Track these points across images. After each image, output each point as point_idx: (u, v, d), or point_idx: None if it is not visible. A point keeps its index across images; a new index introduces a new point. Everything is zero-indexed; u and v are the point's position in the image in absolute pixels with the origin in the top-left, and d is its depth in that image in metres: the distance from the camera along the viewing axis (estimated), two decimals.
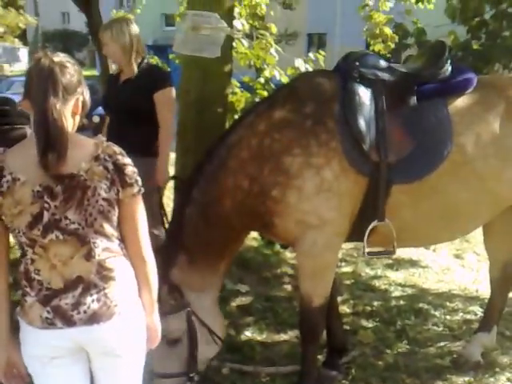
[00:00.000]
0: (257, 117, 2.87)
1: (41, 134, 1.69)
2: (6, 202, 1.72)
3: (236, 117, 4.81)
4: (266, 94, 5.57)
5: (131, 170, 1.84)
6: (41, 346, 1.83)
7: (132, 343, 1.91)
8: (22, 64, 38.58)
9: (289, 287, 4.69)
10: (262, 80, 6.02)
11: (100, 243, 1.81)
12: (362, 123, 2.74)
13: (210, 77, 4.73)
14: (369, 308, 4.27)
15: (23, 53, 38.47)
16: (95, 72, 26.61)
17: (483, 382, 3.28)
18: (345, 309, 4.22)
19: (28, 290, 1.81)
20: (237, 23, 5.47)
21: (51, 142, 1.67)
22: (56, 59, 1.77)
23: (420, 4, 6.50)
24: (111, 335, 1.84)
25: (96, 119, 11.50)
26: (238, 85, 5.88)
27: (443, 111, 2.84)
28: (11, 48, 31.07)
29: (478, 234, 3.59)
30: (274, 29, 6.43)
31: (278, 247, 5.41)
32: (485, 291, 3.87)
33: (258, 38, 6.03)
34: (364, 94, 2.81)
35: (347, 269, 5.12)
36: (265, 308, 4.23)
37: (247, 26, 6.04)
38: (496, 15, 5.69)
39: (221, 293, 4.39)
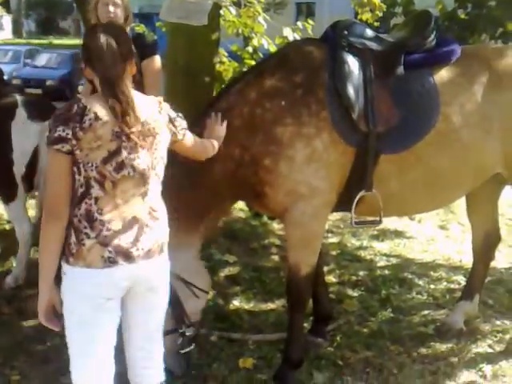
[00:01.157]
0: (247, 85, 2.86)
1: (114, 104, 1.91)
2: (86, 137, 1.87)
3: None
4: (253, 63, 5.53)
5: (180, 119, 2.21)
6: (99, 285, 1.95)
7: (167, 280, 2.17)
8: (6, 32, 37.86)
9: (276, 257, 4.74)
10: (250, 49, 5.97)
11: (154, 185, 2.06)
12: (351, 92, 2.73)
13: (196, 45, 4.69)
14: (354, 277, 4.33)
15: (6, 21, 37.73)
16: (80, 41, 26.19)
17: (466, 349, 3.35)
18: (331, 278, 4.27)
19: (88, 231, 1.92)
20: None
21: (124, 109, 1.91)
22: (112, 31, 2.00)
23: None
24: (158, 271, 2.09)
25: (81, 89, 11.35)
26: (226, 54, 5.83)
27: (430, 81, 2.85)
28: None
29: (462, 205, 3.63)
30: None
31: (265, 218, 5.44)
32: (469, 261, 3.93)
33: (245, 5, 5.95)
34: (353, 63, 2.80)
35: (334, 239, 5.17)
36: (252, 278, 4.27)
37: None
38: None
39: (209, 263, 4.46)
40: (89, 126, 1.87)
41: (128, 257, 1.95)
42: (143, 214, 2.00)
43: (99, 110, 1.90)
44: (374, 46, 2.89)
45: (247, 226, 5.43)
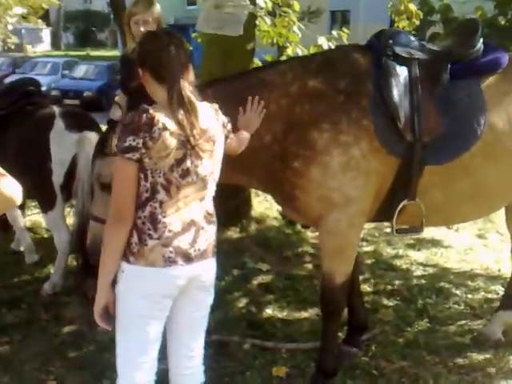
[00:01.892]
0: (290, 76, 2.84)
1: (183, 114, 1.99)
2: (155, 147, 1.94)
3: None
4: None
5: (228, 123, 2.30)
6: (158, 284, 2.04)
7: (214, 280, 2.25)
8: (45, 45, 38.85)
9: (309, 266, 4.71)
10: (284, 58, 5.98)
11: (210, 189, 2.16)
12: (396, 101, 2.70)
13: (232, 55, 4.72)
14: (390, 287, 4.27)
15: (46, 33, 38.69)
16: (117, 52, 26.67)
17: (503, 360, 3.27)
18: (366, 287, 4.22)
19: (151, 232, 2.01)
20: (259, 1, 5.42)
21: (191, 120, 2.00)
22: (173, 38, 2.07)
23: None
24: (210, 271, 2.19)
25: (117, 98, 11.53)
26: (260, 63, 5.85)
27: (477, 90, 2.80)
28: (34, 29, 31.24)
29: (501, 214, 3.56)
30: (296, 6, 6.36)
31: (298, 227, 5.43)
32: (507, 271, 3.84)
33: (280, 15, 5.98)
34: (398, 72, 2.77)
35: (369, 248, 5.12)
36: (285, 286, 4.26)
37: (270, 4, 5.98)
38: None
39: (242, 271, 4.48)
40: (158, 136, 1.94)
41: (187, 257, 2.06)
42: (200, 217, 2.11)
43: (167, 120, 1.96)
44: (419, 55, 2.85)
45: (281, 235, 5.42)
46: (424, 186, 2.78)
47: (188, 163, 2.02)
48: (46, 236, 5.08)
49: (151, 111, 1.97)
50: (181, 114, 1.98)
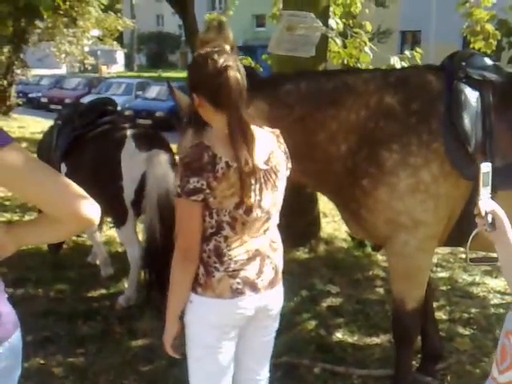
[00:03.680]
0: (373, 84, 2.82)
1: (241, 144, 1.90)
2: (220, 186, 1.89)
3: None
4: None
5: (288, 153, 2.15)
6: (226, 315, 2.02)
7: (280, 307, 2.20)
8: (119, 66, 40.38)
9: (381, 290, 4.61)
10: None
11: (275, 219, 2.09)
12: (467, 124, 2.65)
13: None
14: (466, 315, 4.13)
15: (120, 55, 40.19)
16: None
17: None
18: (441, 315, 4.08)
19: (217, 265, 1.98)
20: (331, 22, 5.44)
21: (250, 150, 1.91)
22: (232, 62, 1.94)
23: None
24: (277, 299, 2.15)
25: None
26: None
27: None
28: (109, 50, 32.53)
29: None
30: (368, 27, 6.35)
31: (369, 249, 5.34)
32: None
33: (352, 36, 5.97)
34: (470, 95, 2.72)
35: (443, 274, 4.96)
36: (355, 310, 4.19)
37: (341, 25, 5.98)
38: None
39: (310, 292, 4.43)
40: (222, 176, 1.87)
41: (254, 287, 2.02)
42: (265, 247, 2.06)
43: (229, 156, 1.89)
44: (493, 77, 2.78)
45: (350, 257, 5.35)
46: None
47: (252, 199, 1.94)
48: (120, 250, 5.22)
49: (212, 148, 1.89)
50: (241, 146, 1.89)
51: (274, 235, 2.12)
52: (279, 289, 2.15)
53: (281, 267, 2.15)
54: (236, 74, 1.91)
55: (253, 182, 1.93)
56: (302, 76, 2.96)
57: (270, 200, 2.01)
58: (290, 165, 2.15)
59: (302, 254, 5.31)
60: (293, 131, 2.72)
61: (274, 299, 2.12)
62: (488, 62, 2.85)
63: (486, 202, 1.80)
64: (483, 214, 1.77)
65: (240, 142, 1.90)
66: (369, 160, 2.71)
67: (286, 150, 2.13)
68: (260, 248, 2.04)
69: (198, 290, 2.00)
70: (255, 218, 1.98)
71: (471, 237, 2.70)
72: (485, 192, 1.83)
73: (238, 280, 1.98)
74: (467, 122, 2.65)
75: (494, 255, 2.82)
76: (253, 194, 1.94)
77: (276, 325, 2.24)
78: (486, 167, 1.86)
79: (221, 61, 1.91)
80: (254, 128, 1.98)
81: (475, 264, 3.08)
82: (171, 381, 3.14)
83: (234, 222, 1.95)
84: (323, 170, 2.84)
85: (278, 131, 2.13)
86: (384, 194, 2.67)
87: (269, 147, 2.03)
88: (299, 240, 5.28)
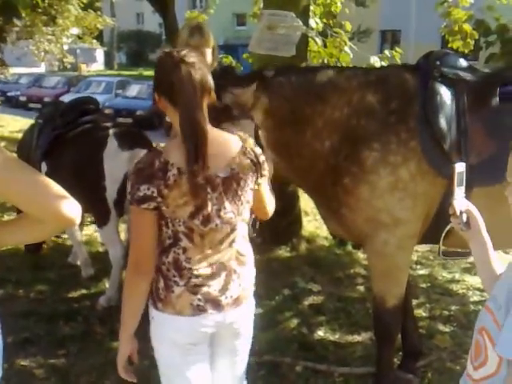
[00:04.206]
0: (356, 81, 2.84)
1: (191, 144, 1.78)
2: (171, 195, 1.78)
3: None
4: None
5: (263, 159, 1.98)
6: (187, 333, 1.90)
7: (251, 325, 2.09)
8: (99, 64, 40.02)
9: (362, 288, 4.64)
10: None
11: (241, 230, 1.95)
12: (442, 123, 2.68)
13: None
14: (446, 312, 4.16)
15: (99, 53, 39.85)
16: None
17: None
18: (421, 312, 4.12)
19: (177, 279, 1.86)
20: (311, 22, 5.46)
21: (199, 153, 1.78)
22: (188, 58, 1.82)
23: None
24: (244, 317, 2.01)
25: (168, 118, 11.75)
26: None
27: None
28: (88, 49, 32.26)
29: None
30: (348, 27, 6.38)
31: (349, 247, 5.37)
32: None
33: (332, 36, 6.00)
34: (445, 94, 2.75)
35: (423, 272, 5.00)
36: (337, 308, 4.20)
37: (321, 25, 6.01)
38: None
39: (292, 291, 4.45)
40: (173, 183, 1.77)
41: (217, 305, 1.89)
42: (231, 260, 1.92)
43: (181, 162, 1.78)
44: (468, 76, 2.82)
45: (331, 255, 5.37)
46: None
47: (209, 209, 1.82)
48: (101, 250, 5.19)
49: (164, 154, 1.80)
50: (191, 151, 1.76)
51: (242, 248, 1.97)
52: (247, 307, 2.01)
53: (250, 283, 2.02)
54: (190, 69, 1.79)
55: (209, 190, 1.82)
56: (291, 70, 2.98)
57: (232, 210, 1.87)
58: (264, 172, 1.97)
59: (283, 252, 5.31)
60: (284, 125, 2.74)
61: (240, 318, 1.98)
62: (462, 61, 2.90)
63: (461, 202, 1.80)
64: (458, 213, 1.78)
65: (190, 146, 1.77)
66: (351, 158, 2.72)
67: (258, 155, 1.94)
68: (225, 262, 1.90)
69: (158, 305, 1.89)
70: (214, 229, 1.85)
71: (444, 232, 2.75)
72: (459, 191, 1.84)
73: (199, 296, 1.86)
74: (442, 120, 2.68)
75: (468, 250, 2.87)
76: (209, 203, 1.82)
77: (247, 345, 2.10)
78: (460, 167, 1.88)
79: (177, 57, 1.81)
80: (213, 131, 1.86)
81: (448, 258, 3.12)
82: (153, 381, 3.12)
83: (190, 233, 1.84)
84: (308, 166, 2.85)
85: (246, 135, 1.97)
86: (365, 192, 2.69)
87: (231, 153, 1.88)
88: (281, 238, 5.29)
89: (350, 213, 2.76)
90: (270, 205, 2.15)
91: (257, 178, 1.95)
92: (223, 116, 2.46)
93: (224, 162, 1.85)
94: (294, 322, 4.00)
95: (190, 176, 1.77)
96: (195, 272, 1.86)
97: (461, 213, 1.80)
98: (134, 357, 1.99)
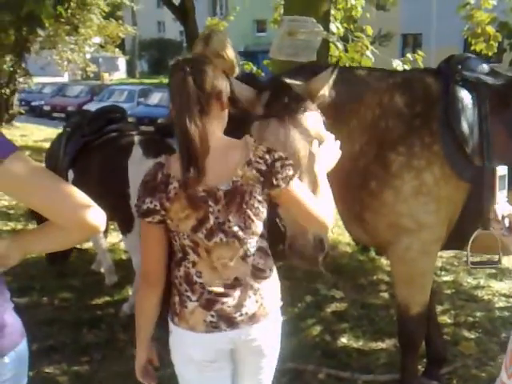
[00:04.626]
0: (385, 82, 2.80)
1: (183, 154, 1.74)
2: (173, 208, 1.75)
3: None
4: None
5: (279, 165, 1.79)
6: (203, 350, 1.85)
7: (277, 341, 1.99)
8: (121, 73, 40.45)
9: (385, 295, 4.60)
10: None
11: (255, 244, 1.86)
12: (464, 127, 2.66)
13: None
14: (471, 319, 4.11)
15: (121, 62, 40.28)
16: None
17: None
18: (445, 319, 4.08)
19: (189, 294, 1.84)
20: (332, 27, 5.45)
21: (193, 164, 1.72)
22: (190, 68, 1.76)
23: None
24: (265, 334, 1.90)
25: None
26: None
27: None
28: (111, 57, 32.61)
29: None
30: (370, 31, 6.36)
31: (373, 254, 5.33)
32: None
33: (353, 40, 5.98)
34: (467, 98, 2.73)
35: (448, 278, 4.95)
36: (360, 315, 4.18)
37: (342, 30, 5.99)
38: None
39: (315, 297, 4.43)
40: (174, 196, 1.74)
41: (231, 322, 1.83)
42: (246, 276, 1.85)
43: (181, 174, 1.75)
44: (489, 80, 2.79)
45: (354, 261, 5.34)
46: None
47: (211, 222, 1.77)
48: (124, 258, 5.23)
49: (166, 167, 1.79)
50: (186, 162, 1.72)
51: (260, 263, 1.88)
52: (268, 323, 1.90)
53: (272, 299, 1.92)
54: (187, 76, 1.73)
55: (210, 203, 1.76)
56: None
57: (238, 224, 1.80)
58: (277, 181, 1.79)
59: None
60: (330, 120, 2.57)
61: (261, 335, 1.89)
62: (483, 64, 2.88)
63: (503, 206, 1.75)
64: (500, 218, 1.73)
65: (184, 157, 1.73)
66: (378, 161, 2.69)
67: (270, 163, 1.79)
68: (240, 277, 1.84)
69: (175, 319, 1.87)
70: (219, 243, 1.79)
71: (471, 239, 2.72)
72: (501, 196, 1.80)
73: (212, 313, 1.81)
74: (464, 124, 2.66)
75: (496, 258, 2.83)
76: (211, 217, 1.77)
77: (270, 364, 2.01)
78: (502, 170, 1.84)
79: (177, 63, 1.79)
80: (217, 140, 1.79)
81: (476, 267, 3.08)
82: None
83: (196, 247, 1.80)
84: (337, 166, 2.81)
85: (256, 143, 1.83)
86: (390, 197, 2.66)
87: (233, 164, 1.78)
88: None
89: (374, 217, 2.73)
90: (323, 211, 1.89)
91: (269, 189, 1.81)
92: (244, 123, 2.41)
93: (226, 173, 1.77)
94: (317, 329, 3.98)
95: (185, 188, 1.73)
96: (208, 287, 1.83)
97: (503, 217, 1.75)
98: (155, 361, 2.00)
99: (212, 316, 1.82)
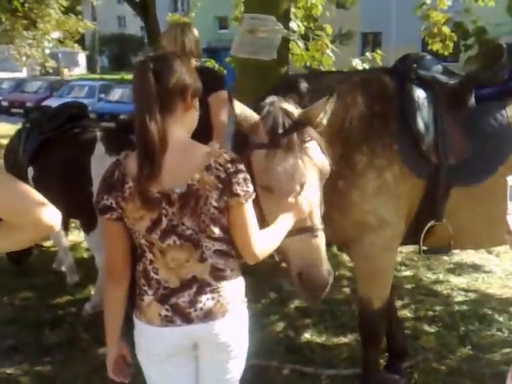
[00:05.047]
0: (347, 84, 2.83)
1: (139, 151, 1.75)
2: (128, 207, 1.76)
3: None
4: None
5: (242, 177, 1.80)
6: (160, 344, 1.86)
7: (240, 340, 1.96)
8: (81, 68, 39.74)
9: (347, 290, 4.65)
10: None
11: (212, 247, 1.84)
12: (420, 125, 2.71)
13: (266, 79, 4.75)
14: (431, 313, 4.20)
15: (81, 57, 39.57)
16: None
17: None
18: (406, 313, 4.16)
19: (146, 288, 1.86)
20: (292, 25, 5.48)
21: (147, 161, 1.72)
22: (153, 64, 1.75)
23: (480, 1, 6.34)
24: (224, 332, 1.88)
25: None
26: None
27: (502, 114, 2.79)
28: (70, 53, 32.00)
29: None
30: (329, 29, 6.42)
31: (335, 249, 5.39)
32: None
33: (313, 39, 6.04)
34: (422, 96, 2.78)
35: (408, 273, 5.04)
36: (323, 310, 4.21)
37: (302, 28, 6.04)
38: None
39: (278, 294, 4.46)
40: (129, 196, 1.75)
41: (185, 317, 1.83)
42: (204, 275, 1.84)
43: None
44: (444, 78, 2.86)
45: None
46: (451, 208, 2.76)
47: (164, 224, 1.77)
48: (86, 256, 5.16)
49: (123, 165, 1.79)
50: (142, 162, 1.72)
51: (220, 262, 1.86)
52: (228, 321, 1.88)
53: (231, 297, 1.89)
54: (143, 70, 1.73)
55: (164, 205, 1.75)
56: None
57: (192, 227, 1.79)
58: (237, 191, 1.78)
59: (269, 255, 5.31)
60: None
61: (221, 333, 1.87)
62: (438, 64, 2.94)
63: None
64: None
65: (141, 155, 1.73)
66: (345, 162, 2.70)
67: (231, 173, 1.78)
68: (198, 276, 1.84)
69: (136, 313, 1.90)
70: (173, 246, 1.80)
71: (424, 230, 2.79)
72: None
73: (166, 307, 1.83)
74: (420, 122, 2.71)
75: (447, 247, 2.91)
76: (164, 219, 1.77)
77: (235, 363, 1.97)
78: None
79: (140, 61, 1.79)
80: (178, 142, 1.78)
81: (428, 256, 3.18)
82: None
83: (151, 247, 1.82)
84: None
85: (221, 150, 1.83)
86: (356, 196, 2.70)
87: (192, 168, 1.77)
88: None
89: (340, 216, 2.76)
90: (259, 241, 1.87)
91: (227, 198, 1.79)
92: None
93: (182, 176, 1.76)
94: (281, 325, 4.01)
95: (138, 189, 1.73)
96: (163, 283, 1.84)
97: None
98: (127, 358, 2.00)
99: (167, 310, 1.83)
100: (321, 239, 2.16)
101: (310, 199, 2.13)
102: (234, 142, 2.48)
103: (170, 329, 1.84)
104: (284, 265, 2.28)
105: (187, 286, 1.83)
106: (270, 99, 2.35)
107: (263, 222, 2.13)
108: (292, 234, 2.09)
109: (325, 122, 2.31)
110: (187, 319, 1.83)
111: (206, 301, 1.84)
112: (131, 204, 1.76)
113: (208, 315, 1.84)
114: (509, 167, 2.71)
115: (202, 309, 1.84)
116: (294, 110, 2.32)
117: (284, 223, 2.01)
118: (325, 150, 2.26)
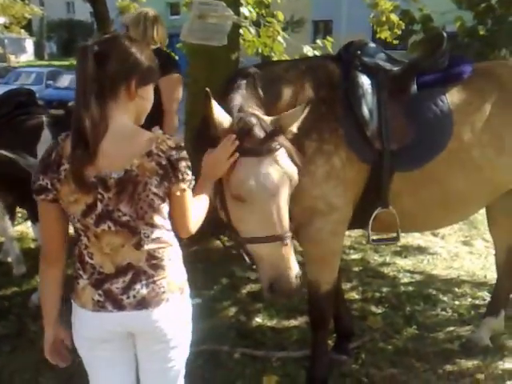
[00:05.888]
0: (294, 72, 2.84)
1: (72, 135, 1.73)
2: (63, 190, 1.74)
3: None
4: None
5: (184, 165, 1.79)
6: (92, 328, 1.86)
7: (179, 330, 1.93)
8: (28, 55, 38.60)
9: None
10: None
11: (150, 234, 1.82)
12: (365, 111, 2.76)
13: (217, 65, 4.74)
14: (378, 294, 4.30)
15: (29, 43, 38.46)
16: None
17: (492, 366, 3.31)
18: (354, 295, 4.25)
19: (81, 272, 1.85)
20: (244, 11, 5.47)
21: (80, 145, 1.70)
22: (98, 47, 1.73)
23: None
24: (160, 321, 1.85)
25: None
26: None
27: (442, 100, 2.86)
28: (17, 39, 31.05)
29: (486, 221, 3.61)
30: (281, 16, 6.43)
31: None
32: (493, 277, 3.89)
33: (265, 25, 6.03)
34: (366, 83, 2.83)
35: (356, 256, 5.15)
36: None
37: (254, 14, 6.03)
38: (502, 0, 5.65)
39: (230, 280, 4.48)
40: (64, 178, 1.73)
41: (117, 304, 1.82)
42: (140, 262, 1.82)
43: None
44: (387, 66, 2.91)
45: None
46: (395, 193, 2.83)
47: (99, 209, 1.75)
48: (32, 246, 5.05)
49: (61, 147, 1.76)
50: (76, 145, 1.70)
51: (158, 251, 1.84)
52: (164, 311, 1.85)
53: (168, 286, 1.85)
54: (83, 54, 1.71)
55: (100, 190, 1.73)
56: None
57: (129, 213, 1.77)
58: (178, 178, 1.78)
59: (222, 242, 5.32)
60: None
61: (153, 321, 1.84)
62: (381, 51, 2.99)
63: None
64: None
65: (73, 138, 1.72)
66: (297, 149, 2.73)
67: (174, 160, 1.77)
68: (134, 263, 1.81)
69: (73, 296, 1.89)
70: (107, 231, 1.78)
71: (371, 218, 2.86)
72: None
73: (99, 292, 1.81)
74: (364, 108, 2.75)
75: (393, 235, 2.98)
76: (100, 204, 1.75)
77: (171, 353, 1.94)
78: None
79: (80, 47, 1.75)
80: (118, 127, 1.76)
81: (377, 244, 3.26)
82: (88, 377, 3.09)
83: (86, 231, 1.80)
84: None
85: (164, 136, 1.80)
86: (306, 183, 2.70)
87: (131, 153, 1.74)
88: (219, 228, 5.29)
89: (291, 202, 2.78)
90: (194, 219, 1.92)
91: (169, 184, 1.78)
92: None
93: (120, 162, 1.74)
94: (233, 310, 4.04)
95: (72, 171, 1.71)
96: (98, 268, 1.83)
97: None
98: (67, 341, 1.99)
99: (99, 295, 1.82)
100: (290, 246, 2.18)
101: (281, 208, 2.19)
102: (197, 138, 2.49)
103: (102, 314, 1.83)
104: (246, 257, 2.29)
105: (122, 272, 1.81)
106: (235, 101, 2.39)
107: (231, 229, 2.22)
108: (262, 240, 2.15)
109: (295, 130, 2.36)
110: (119, 306, 1.82)
111: (140, 288, 1.81)
112: (66, 186, 1.74)
113: (141, 303, 1.82)
114: (449, 152, 2.80)
115: (135, 296, 1.81)
116: (266, 117, 2.35)
117: (207, 191, 2.06)
118: (294, 157, 2.30)
